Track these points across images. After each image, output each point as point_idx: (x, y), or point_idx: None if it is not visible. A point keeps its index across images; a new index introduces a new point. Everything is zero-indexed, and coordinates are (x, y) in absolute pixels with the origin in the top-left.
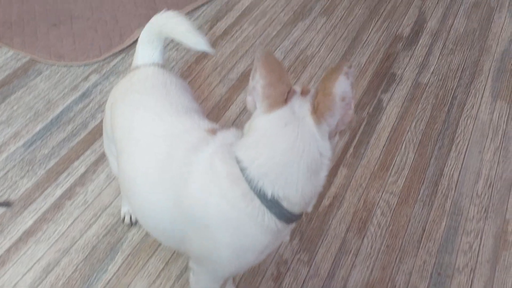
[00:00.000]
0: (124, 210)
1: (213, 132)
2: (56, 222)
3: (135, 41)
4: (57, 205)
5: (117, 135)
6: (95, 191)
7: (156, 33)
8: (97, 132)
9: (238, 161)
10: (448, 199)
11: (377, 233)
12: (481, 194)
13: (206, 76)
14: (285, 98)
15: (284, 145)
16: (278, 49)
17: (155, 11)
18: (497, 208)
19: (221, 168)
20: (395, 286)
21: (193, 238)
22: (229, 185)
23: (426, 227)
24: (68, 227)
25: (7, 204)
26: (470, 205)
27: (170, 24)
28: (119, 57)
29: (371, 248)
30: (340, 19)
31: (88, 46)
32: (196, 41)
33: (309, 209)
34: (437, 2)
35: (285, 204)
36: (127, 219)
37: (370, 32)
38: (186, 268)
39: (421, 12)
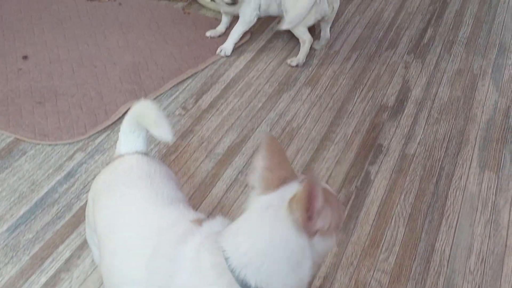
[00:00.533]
0: None
1: (199, 222)
2: None
3: (121, 117)
4: None
5: (100, 229)
6: (80, 277)
7: (136, 122)
8: (82, 214)
9: (222, 250)
10: (441, 276)
11: None
12: (474, 270)
13: (192, 152)
14: (280, 183)
15: (263, 232)
16: (264, 121)
17: (140, 85)
18: (491, 284)
19: (206, 259)
20: None
21: None
22: (214, 277)
23: None
24: None
25: None
26: (463, 282)
27: (144, 116)
28: (104, 134)
29: None
30: (325, 89)
31: (73, 123)
32: (161, 134)
33: None
34: (421, 71)
35: None
36: None
37: (355, 102)
38: None
39: (405, 81)
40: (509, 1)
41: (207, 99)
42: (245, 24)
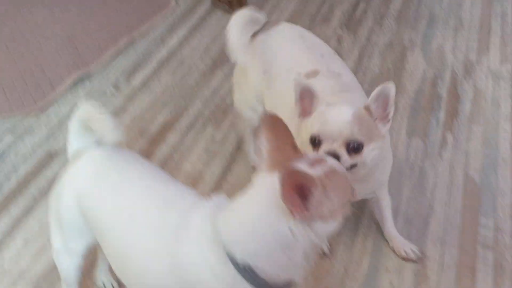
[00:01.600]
0: (103, 279)
1: (208, 196)
2: None
3: (68, 89)
4: None
5: (99, 219)
6: (13, 258)
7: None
8: (15, 194)
9: (217, 225)
10: (368, 238)
11: None
12: (400, 231)
13: (125, 130)
14: (284, 164)
15: (255, 212)
16: (197, 98)
17: (80, 57)
18: (417, 244)
19: (207, 230)
20: None
21: None
22: (209, 249)
23: (349, 268)
24: None
25: None
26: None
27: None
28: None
29: None
30: None
31: (20, 96)
32: (106, 130)
33: (298, 280)
34: (353, 44)
35: (260, 273)
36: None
37: None
38: None
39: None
40: None
41: (139, 77)
42: None
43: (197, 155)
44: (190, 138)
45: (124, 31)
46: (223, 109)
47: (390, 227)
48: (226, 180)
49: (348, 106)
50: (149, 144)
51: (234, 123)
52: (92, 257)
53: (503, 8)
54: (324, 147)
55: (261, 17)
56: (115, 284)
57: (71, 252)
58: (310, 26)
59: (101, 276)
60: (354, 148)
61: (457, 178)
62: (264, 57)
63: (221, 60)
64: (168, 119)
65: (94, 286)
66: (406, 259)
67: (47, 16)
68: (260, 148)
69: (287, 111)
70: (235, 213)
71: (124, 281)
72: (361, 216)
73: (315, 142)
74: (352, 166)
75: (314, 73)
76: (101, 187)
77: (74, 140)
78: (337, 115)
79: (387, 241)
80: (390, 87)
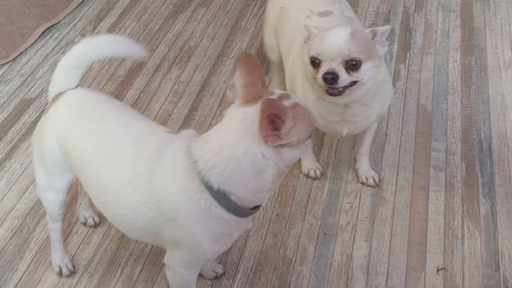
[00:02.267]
0: (85, 214)
1: (176, 131)
2: None
3: (37, 40)
4: None
5: (78, 155)
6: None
7: (83, 59)
8: None
9: (191, 154)
10: (329, 166)
11: (267, 204)
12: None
13: (95, 76)
14: (256, 98)
15: (231, 140)
16: (162, 42)
17: (47, 7)
18: (374, 164)
19: (181, 160)
20: (287, 249)
21: (167, 230)
22: (184, 177)
23: (311, 194)
24: None
25: None
26: (348, 169)
27: (98, 47)
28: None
29: (263, 218)
30: (219, 8)
31: None
32: (132, 51)
33: (263, 203)
34: None
35: (233, 198)
36: (90, 222)
37: (248, 18)
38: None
39: None
40: None
41: (104, 25)
42: None
43: (164, 95)
44: (157, 80)
45: None
46: (186, 51)
47: (365, 150)
48: (194, 118)
49: (345, 27)
50: (119, 87)
51: (197, 64)
52: (73, 193)
53: None
54: (323, 67)
55: None
56: (95, 218)
57: (55, 188)
58: None
59: (83, 211)
60: (352, 65)
61: (410, 106)
62: None
63: (183, 5)
64: (135, 63)
65: (76, 220)
66: (365, 184)
67: None
68: (235, 84)
69: (297, 47)
70: (211, 142)
71: (103, 212)
72: (322, 147)
73: (315, 63)
74: (352, 84)
75: (327, 13)
76: (79, 125)
77: (58, 82)
78: (335, 35)
79: (346, 168)
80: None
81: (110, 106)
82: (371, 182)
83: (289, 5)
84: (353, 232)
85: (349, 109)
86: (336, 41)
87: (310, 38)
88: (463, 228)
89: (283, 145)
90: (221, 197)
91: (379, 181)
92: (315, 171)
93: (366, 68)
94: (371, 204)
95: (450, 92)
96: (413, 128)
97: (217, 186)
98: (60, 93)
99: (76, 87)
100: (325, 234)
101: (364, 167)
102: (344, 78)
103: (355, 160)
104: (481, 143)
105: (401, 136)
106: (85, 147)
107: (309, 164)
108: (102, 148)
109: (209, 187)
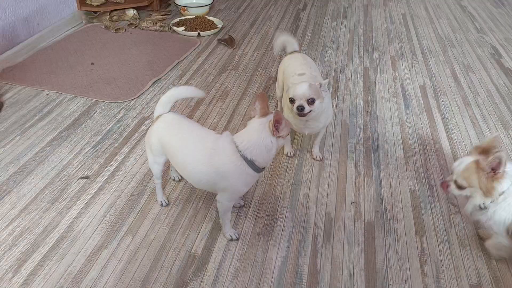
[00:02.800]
0: (174, 174)
1: (220, 133)
2: (113, 183)
3: (149, 87)
4: (113, 174)
5: (171, 147)
6: (128, 166)
7: (173, 97)
8: (129, 137)
9: (235, 144)
10: (298, 150)
11: (267, 169)
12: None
13: (179, 105)
14: (265, 114)
15: (256, 135)
16: (212, 88)
17: (155, 70)
18: (320, 149)
19: (228, 147)
20: (276, 192)
21: (220, 183)
22: (232, 155)
23: (288, 164)
24: (119, 184)
25: (87, 177)
26: (307, 151)
27: (180, 92)
28: (139, 100)
29: (264, 176)
30: (243, 69)
31: (122, 91)
32: (197, 93)
33: (268, 166)
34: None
35: (256, 163)
36: (176, 179)
37: (257, 75)
38: (177, 197)
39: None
40: None
41: (184, 79)
42: None
43: (213, 115)
44: (210, 108)
45: (175, 58)
46: (225, 92)
47: (317, 142)
48: (229, 127)
49: (306, 82)
50: (191, 111)
51: (231, 99)
52: (167, 166)
53: (359, 38)
54: (296, 103)
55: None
56: (179, 177)
57: (157, 163)
58: None
59: (173, 173)
60: (310, 101)
61: (338, 120)
62: (283, 66)
63: (224, 69)
64: (199, 99)
65: (169, 178)
66: (315, 159)
67: (137, 52)
68: (255, 108)
69: (285, 94)
70: (244, 136)
71: (183, 175)
72: (294, 139)
73: (292, 100)
74: (310, 111)
75: (302, 73)
76: (170, 132)
77: (159, 108)
78: (301, 87)
79: (306, 151)
80: (326, 82)
81: (186, 121)
82: (318, 158)
83: (286, 71)
84: (309, 184)
85: (308, 122)
86: (302, 89)
87: (289, 88)
88: (364, 181)
89: (279, 137)
90: (250, 163)
91: (322, 158)
92: (290, 152)
93: (317, 103)
94: (318, 170)
95: (358, 113)
96: (339, 131)
97: (250, 158)
98: (160, 115)
99: (168, 112)
100: (295, 185)
101: (315, 150)
102: (307, 108)
103: (311, 147)
104: (373, 139)
105: (333, 135)
106: (173, 143)
107: (288, 148)
108: (183, 142)
109: (245, 158)
